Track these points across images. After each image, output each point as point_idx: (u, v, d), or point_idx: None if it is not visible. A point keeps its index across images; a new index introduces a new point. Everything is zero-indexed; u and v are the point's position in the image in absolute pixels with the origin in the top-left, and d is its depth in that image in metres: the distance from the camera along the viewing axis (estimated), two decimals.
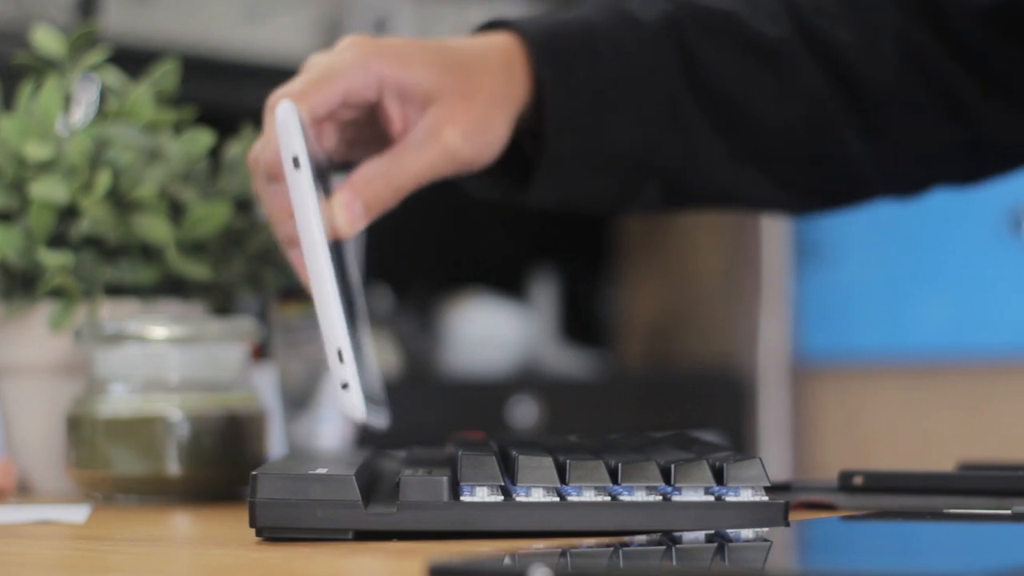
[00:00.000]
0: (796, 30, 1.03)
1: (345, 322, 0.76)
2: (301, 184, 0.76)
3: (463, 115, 0.93)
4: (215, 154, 1.05)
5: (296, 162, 0.77)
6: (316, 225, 0.76)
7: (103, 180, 0.98)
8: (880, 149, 1.06)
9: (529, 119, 0.99)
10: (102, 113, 1.04)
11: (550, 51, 0.98)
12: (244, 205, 1.05)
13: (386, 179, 0.91)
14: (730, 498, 0.72)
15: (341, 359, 0.75)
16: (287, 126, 0.77)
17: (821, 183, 1.08)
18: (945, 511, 0.76)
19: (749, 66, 1.03)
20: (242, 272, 1.04)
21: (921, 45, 1.04)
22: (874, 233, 2.64)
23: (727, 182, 1.05)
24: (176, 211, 1.02)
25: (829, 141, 1.05)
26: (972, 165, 1.09)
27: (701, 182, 1.05)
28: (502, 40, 0.98)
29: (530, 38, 0.98)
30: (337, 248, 0.85)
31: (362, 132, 0.96)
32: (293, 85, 0.91)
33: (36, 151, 0.99)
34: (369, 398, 0.79)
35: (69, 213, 1.00)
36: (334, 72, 0.92)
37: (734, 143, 1.03)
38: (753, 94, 1.03)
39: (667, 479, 0.73)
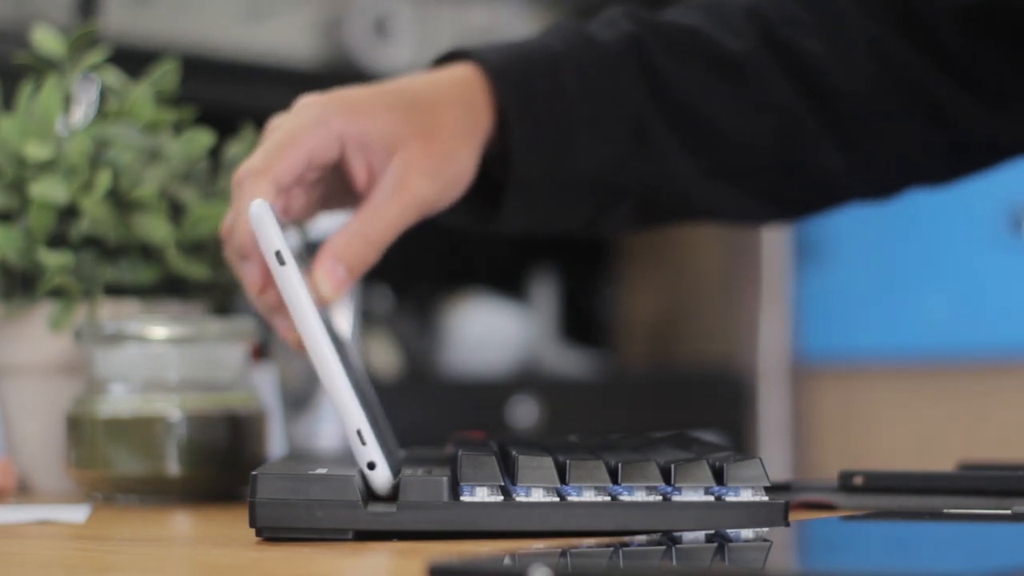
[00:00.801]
0: (763, 42, 1.03)
1: (357, 399, 0.76)
2: (290, 278, 0.77)
3: (427, 157, 0.93)
4: (215, 154, 1.05)
5: (280, 258, 0.77)
6: (313, 317, 0.77)
7: (103, 180, 0.98)
8: (855, 157, 1.05)
9: (496, 146, 0.98)
10: (102, 113, 1.04)
11: (511, 79, 0.98)
12: None
13: (363, 238, 0.91)
14: (730, 498, 0.72)
15: (363, 441, 0.75)
16: (264, 223, 0.77)
17: (795, 193, 1.08)
18: (945, 511, 0.76)
19: (714, 81, 1.02)
20: None
21: (896, 52, 1.03)
22: (874, 233, 2.64)
23: (699, 198, 1.05)
24: (176, 211, 1.02)
25: (801, 152, 1.04)
26: (953, 166, 1.09)
27: (673, 199, 1.04)
28: (461, 72, 0.98)
29: (490, 67, 0.98)
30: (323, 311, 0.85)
31: (331, 186, 0.96)
32: (256, 158, 0.91)
33: (36, 151, 0.99)
34: (389, 454, 0.79)
35: (69, 213, 1.00)
36: (295, 137, 0.91)
37: (703, 159, 1.03)
38: (719, 108, 1.02)
39: (667, 479, 0.73)
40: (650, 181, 1.02)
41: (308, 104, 0.93)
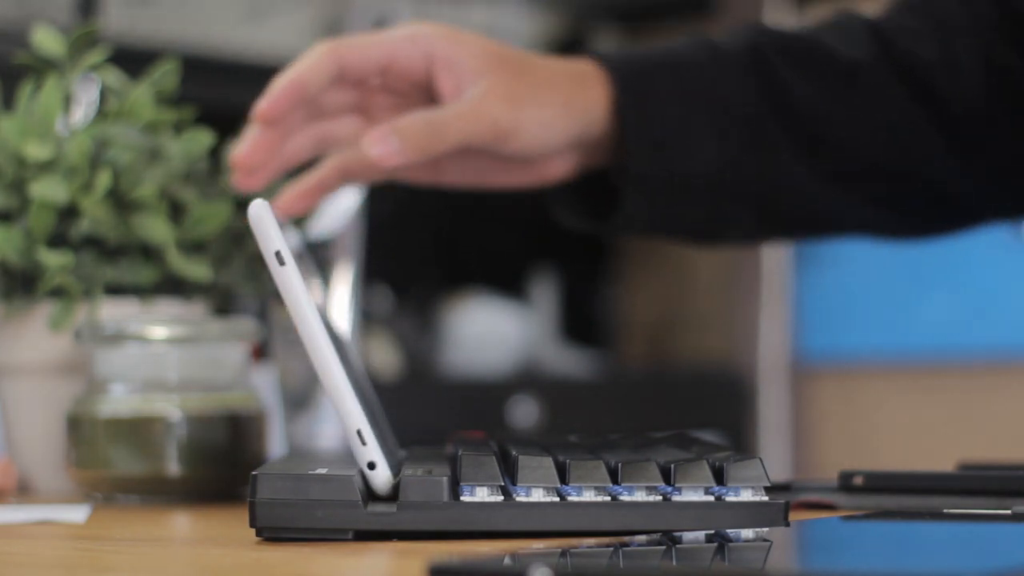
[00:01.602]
0: (880, 51, 1.04)
1: (357, 399, 0.76)
2: (290, 278, 0.77)
3: (511, 88, 0.95)
4: (215, 154, 1.05)
5: (280, 258, 0.77)
6: (313, 317, 0.77)
7: (103, 180, 0.98)
8: (975, 169, 1.05)
9: (612, 145, 1.00)
10: (102, 113, 1.04)
11: (628, 72, 1.00)
12: (244, 205, 1.05)
13: (426, 123, 0.93)
14: (730, 498, 0.72)
15: (363, 441, 0.75)
16: (264, 223, 0.77)
17: (914, 204, 1.07)
18: (945, 511, 0.76)
19: (829, 86, 1.04)
20: (242, 272, 1.04)
21: (1008, 67, 1.03)
22: None
23: (816, 205, 1.05)
24: (176, 211, 1.02)
25: (917, 160, 1.05)
26: None
27: (791, 206, 1.05)
28: (578, 62, 1.01)
29: (607, 61, 1.01)
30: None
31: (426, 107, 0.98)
32: (339, 40, 0.95)
33: (36, 151, 0.99)
34: (389, 454, 0.79)
35: (69, 213, 1.00)
36: (381, 39, 0.95)
37: (817, 164, 1.04)
38: (834, 113, 1.04)
39: (667, 479, 0.72)
40: (765, 185, 1.03)
41: (410, 23, 0.97)
